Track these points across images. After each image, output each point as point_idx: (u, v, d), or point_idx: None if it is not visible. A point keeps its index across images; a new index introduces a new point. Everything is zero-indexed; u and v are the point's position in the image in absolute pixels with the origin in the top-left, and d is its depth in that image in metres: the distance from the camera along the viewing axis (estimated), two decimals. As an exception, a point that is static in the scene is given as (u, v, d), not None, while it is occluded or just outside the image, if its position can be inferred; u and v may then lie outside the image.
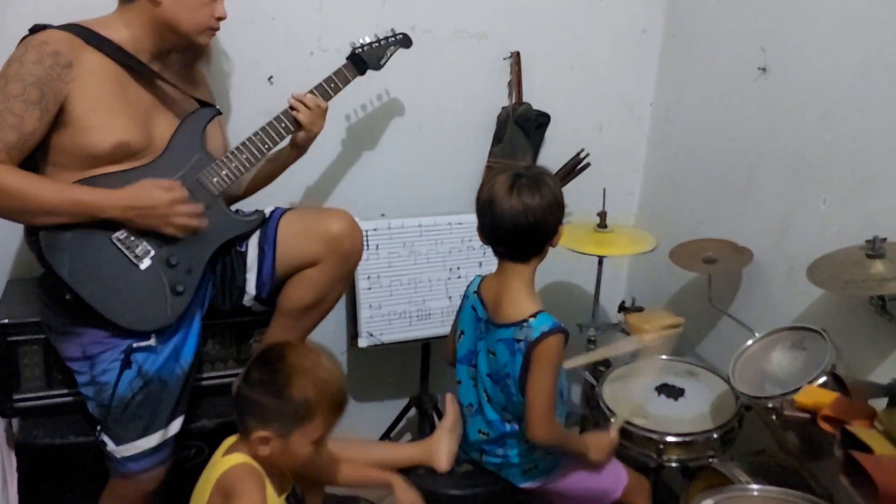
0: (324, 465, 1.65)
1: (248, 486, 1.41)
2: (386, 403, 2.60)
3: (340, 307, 2.35)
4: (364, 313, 2.25)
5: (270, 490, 1.46)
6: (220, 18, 1.74)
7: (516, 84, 2.40)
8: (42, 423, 1.83)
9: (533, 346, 1.61)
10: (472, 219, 1.71)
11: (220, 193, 1.76)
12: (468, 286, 1.82)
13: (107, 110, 1.63)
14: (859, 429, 1.41)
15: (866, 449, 1.37)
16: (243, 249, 1.83)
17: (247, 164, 1.79)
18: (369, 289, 2.25)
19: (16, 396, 1.83)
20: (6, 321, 1.79)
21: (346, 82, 1.94)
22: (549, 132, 2.47)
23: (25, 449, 1.79)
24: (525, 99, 2.41)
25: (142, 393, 1.67)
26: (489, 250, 1.73)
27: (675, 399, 2.04)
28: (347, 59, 1.96)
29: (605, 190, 2.29)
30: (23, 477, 1.79)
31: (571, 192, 2.33)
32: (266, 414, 1.43)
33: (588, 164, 2.39)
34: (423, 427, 2.42)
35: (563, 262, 2.46)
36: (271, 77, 2.18)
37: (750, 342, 1.92)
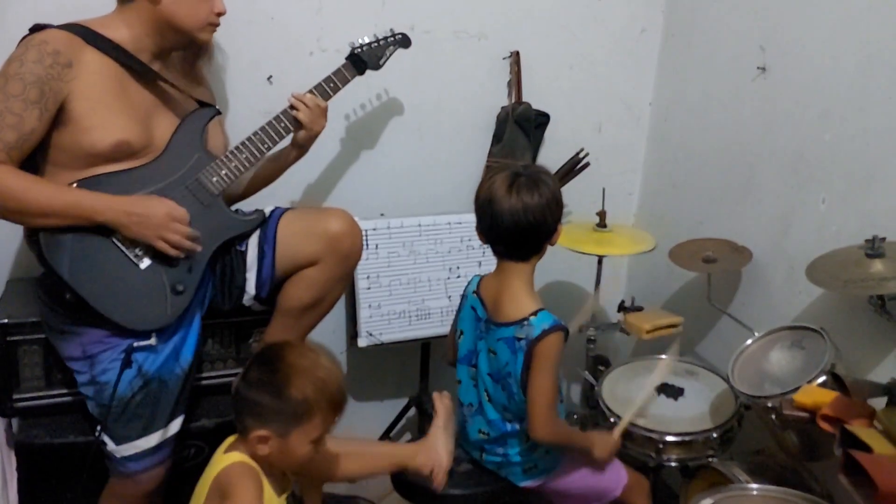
0: (324, 461, 1.64)
1: (242, 485, 1.41)
2: (385, 403, 2.60)
3: (340, 307, 2.35)
4: (363, 313, 2.25)
5: (269, 490, 1.46)
6: (219, 14, 1.74)
7: (516, 84, 2.40)
8: (42, 423, 1.83)
9: (534, 344, 1.62)
10: (471, 218, 1.71)
11: (219, 193, 1.76)
12: (467, 286, 1.82)
13: (107, 109, 1.63)
14: (858, 428, 1.41)
15: (866, 448, 1.37)
16: (243, 249, 1.83)
17: (246, 164, 1.79)
18: (369, 288, 2.25)
19: (15, 396, 1.83)
20: (6, 321, 1.79)
21: (346, 82, 1.94)
22: (549, 132, 2.47)
23: (25, 449, 1.78)
24: (524, 98, 2.41)
25: (141, 392, 1.67)
26: (489, 250, 1.73)
27: (675, 399, 2.04)
28: (347, 59, 1.96)
29: (604, 189, 2.29)
30: (23, 476, 1.79)
31: (571, 192, 2.35)
32: (264, 413, 1.43)
33: (587, 164, 2.39)
34: (423, 427, 2.42)
35: (562, 262, 2.46)
36: (271, 77, 2.18)
37: (749, 342, 1.92)
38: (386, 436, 2.51)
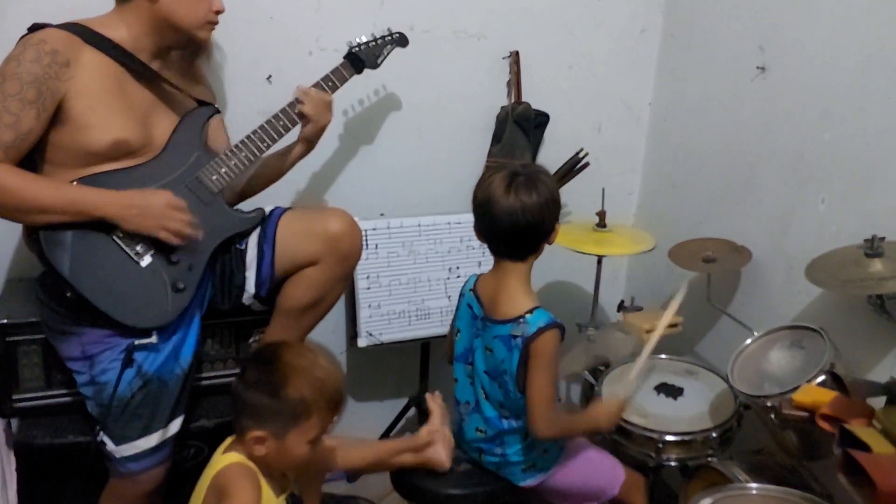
0: (322, 452, 1.63)
1: (240, 485, 1.41)
2: (385, 403, 2.60)
3: (340, 307, 2.35)
4: (363, 313, 2.25)
5: (268, 490, 1.46)
6: (217, 12, 1.74)
7: (515, 83, 2.41)
8: (41, 423, 1.82)
9: (530, 342, 1.62)
10: (470, 218, 1.71)
11: (219, 191, 1.77)
12: (464, 284, 1.82)
13: (105, 108, 1.63)
14: (858, 427, 1.42)
15: (865, 447, 1.37)
16: (242, 248, 1.83)
17: (245, 163, 1.79)
18: (368, 288, 2.25)
19: (15, 396, 1.83)
20: (5, 321, 1.79)
21: (344, 81, 1.95)
22: (548, 132, 2.47)
23: (25, 449, 1.78)
24: (524, 98, 2.41)
25: (141, 393, 1.67)
26: (488, 250, 1.73)
27: (675, 398, 2.05)
28: (345, 58, 1.97)
29: (604, 189, 2.29)
30: (22, 477, 1.79)
31: (570, 192, 2.35)
32: (261, 413, 1.43)
33: (587, 164, 2.39)
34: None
35: (562, 262, 2.46)
36: (270, 76, 2.18)
37: (749, 341, 1.93)
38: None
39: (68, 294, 1.60)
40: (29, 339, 1.80)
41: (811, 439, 1.70)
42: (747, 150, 2.19)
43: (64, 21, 1.64)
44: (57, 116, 1.60)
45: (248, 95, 2.15)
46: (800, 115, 2.00)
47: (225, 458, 1.47)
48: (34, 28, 1.62)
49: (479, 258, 2.33)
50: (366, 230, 2.17)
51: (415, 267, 2.29)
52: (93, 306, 1.61)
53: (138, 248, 1.66)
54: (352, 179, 2.36)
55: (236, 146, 1.79)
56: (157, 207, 1.63)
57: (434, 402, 1.87)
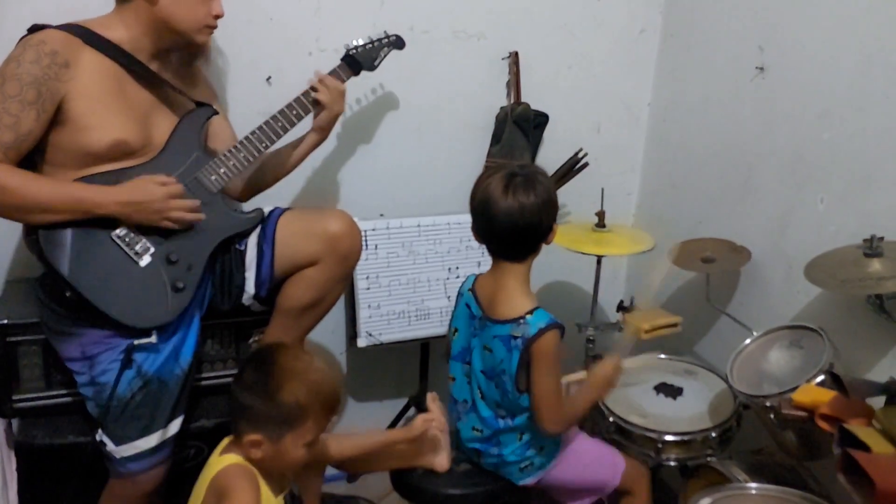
0: (318, 450, 1.63)
1: (240, 486, 1.41)
2: (385, 403, 2.60)
3: (339, 307, 2.35)
4: (363, 313, 2.25)
5: (266, 490, 1.46)
6: (217, 16, 1.74)
7: (515, 84, 2.41)
8: (41, 424, 1.83)
9: (531, 343, 1.62)
10: (470, 219, 1.72)
11: (218, 191, 1.77)
12: (462, 284, 1.83)
13: (105, 109, 1.63)
14: (857, 427, 1.42)
15: (864, 447, 1.37)
16: (242, 248, 1.83)
17: (245, 163, 1.79)
18: (368, 289, 2.25)
19: (15, 397, 1.83)
20: (6, 322, 1.79)
21: (341, 82, 1.94)
22: (548, 132, 2.47)
23: (25, 449, 1.78)
24: (523, 99, 2.41)
25: (141, 393, 1.67)
26: (486, 250, 1.73)
27: (674, 398, 2.05)
28: (342, 60, 1.97)
29: (603, 190, 2.29)
30: (22, 477, 1.79)
31: (570, 192, 2.35)
32: (257, 417, 1.43)
33: (586, 164, 2.39)
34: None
35: (561, 262, 2.46)
36: (269, 78, 2.18)
37: (748, 341, 1.93)
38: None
39: (68, 294, 1.61)
40: (29, 340, 1.80)
41: (810, 439, 1.70)
42: (746, 150, 2.19)
43: (63, 22, 1.64)
44: (57, 117, 1.60)
45: (247, 96, 2.16)
46: (799, 116, 2.01)
47: (223, 460, 1.47)
48: (34, 29, 1.62)
49: (479, 258, 2.33)
50: (365, 230, 2.17)
51: (414, 267, 2.30)
52: (92, 306, 1.61)
53: (137, 247, 1.66)
54: (351, 180, 2.36)
55: (235, 147, 1.79)
56: (156, 201, 1.64)
57: (433, 403, 1.87)
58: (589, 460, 1.83)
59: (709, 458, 1.89)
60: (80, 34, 1.62)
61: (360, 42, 2.00)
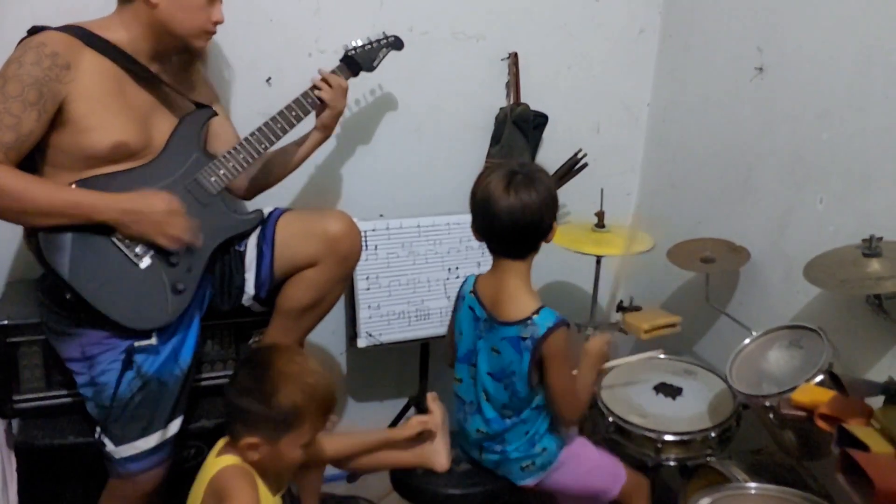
0: (314, 449, 1.63)
1: (239, 486, 1.41)
2: (385, 403, 2.60)
3: (339, 308, 2.35)
4: (363, 313, 2.26)
5: (264, 490, 1.47)
6: (217, 23, 1.75)
7: (514, 85, 2.41)
8: (42, 424, 1.83)
9: (541, 343, 1.63)
10: (469, 219, 1.72)
11: (217, 192, 1.77)
12: (462, 286, 1.83)
13: (105, 110, 1.63)
14: (856, 427, 1.42)
15: (863, 447, 1.37)
16: (242, 249, 1.84)
17: (244, 164, 1.79)
18: (368, 289, 2.25)
19: (16, 397, 1.83)
20: (6, 322, 1.79)
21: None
22: (547, 132, 2.47)
23: (25, 449, 1.79)
24: (523, 99, 2.41)
25: (141, 393, 1.67)
26: (488, 250, 1.74)
27: (673, 398, 2.05)
28: (341, 61, 1.97)
29: (602, 190, 2.30)
30: (23, 477, 1.79)
31: (569, 193, 2.35)
32: (254, 421, 1.43)
33: (586, 165, 2.40)
34: (422, 427, 2.42)
35: (561, 262, 2.46)
36: (269, 78, 2.19)
37: (747, 341, 1.93)
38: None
39: (68, 296, 1.61)
40: (29, 341, 1.81)
41: (810, 439, 1.70)
42: (746, 150, 2.19)
43: (63, 23, 1.65)
44: (57, 119, 1.60)
45: (247, 97, 2.16)
46: (798, 116, 2.01)
47: (220, 461, 1.47)
48: (33, 31, 1.62)
49: (479, 258, 2.33)
50: (365, 231, 2.17)
51: (414, 267, 2.30)
52: (92, 308, 1.61)
53: (137, 249, 1.66)
54: (351, 180, 2.37)
55: (235, 148, 1.80)
56: (156, 214, 1.64)
57: (434, 403, 1.87)
58: (590, 467, 1.83)
59: (708, 458, 1.89)
60: (81, 36, 1.62)
61: (359, 43, 2.01)
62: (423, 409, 2.41)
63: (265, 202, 1.95)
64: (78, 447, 1.78)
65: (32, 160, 1.64)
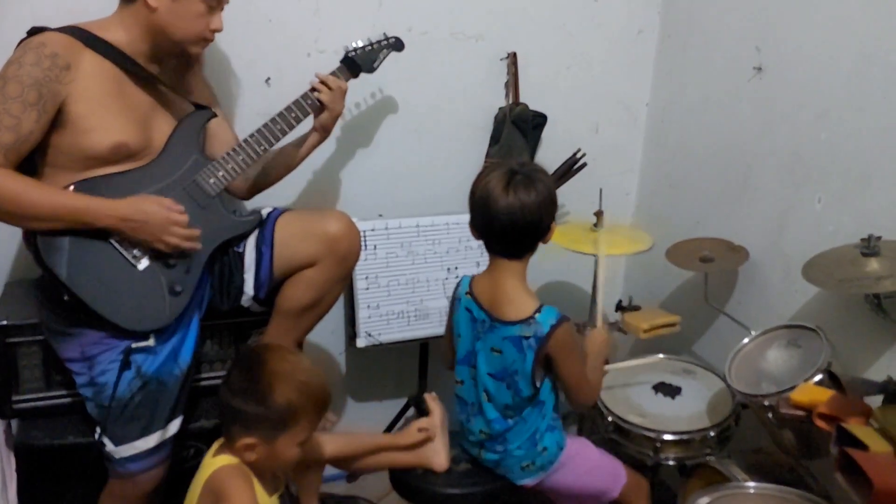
0: (311, 445, 1.64)
1: (236, 486, 1.42)
2: (385, 403, 2.60)
3: (339, 307, 2.36)
4: (362, 313, 2.26)
5: (260, 490, 1.47)
6: (215, 31, 1.74)
7: (513, 84, 2.41)
8: (41, 424, 1.83)
9: (546, 341, 1.64)
10: (468, 218, 1.72)
11: (216, 194, 1.77)
12: (456, 288, 1.82)
13: (105, 111, 1.63)
14: (855, 426, 1.42)
15: (862, 446, 1.37)
16: (241, 250, 1.84)
17: (243, 166, 1.79)
18: (367, 289, 2.25)
19: (15, 398, 1.83)
20: (5, 323, 1.79)
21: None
22: (546, 132, 2.47)
23: (25, 450, 1.79)
24: (522, 99, 2.41)
25: (140, 393, 1.67)
26: (484, 247, 1.73)
27: (672, 398, 2.05)
28: (341, 62, 1.97)
29: (601, 190, 2.30)
30: (22, 478, 1.79)
31: (568, 192, 2.35)
32: (250, 421, 1.43)
33: (585, 164, 2.40)
34: (422, 427, 2.42)
35: (560, 262, 2.46)
36: (269, 79, 2.19)
37: (746, 340, 1.93)
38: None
39: (66, 297, 1.61)
40: (29, 341, 1.81)
41: (809, 438, 1.71)
42: (744, 150, 2.20)
43: (62, 24, 1.64)
44: (57, 119, 1.60)
45: (246, 97, 2.16)
46: (796, 116, 2.01)
47: (217, 461, 1.47)
48: (33, 31, 1.62)
49: (478, 258, 2.33)
50: (364, 231, 2.17)
51: (413, 267, 2.30)
52: (90, 310, 1.61)
53: (135, 251, 1.66)
54: (350, 180, 2.37)
55: (234, 149, 1.80)
56: (156, 222, 1.64)
57: (433, 403, 1.87)
58: (590, 467, 1.83)
59: (707, 458, 1.89)
60: (80, 36, 1.62)
61: (360, 44, 2.01)
62: (422, 409, 2.42)
63: (264, 202, 1.95)
64: (78, 447, 1.78)
65: (32, 160, 1.64)
